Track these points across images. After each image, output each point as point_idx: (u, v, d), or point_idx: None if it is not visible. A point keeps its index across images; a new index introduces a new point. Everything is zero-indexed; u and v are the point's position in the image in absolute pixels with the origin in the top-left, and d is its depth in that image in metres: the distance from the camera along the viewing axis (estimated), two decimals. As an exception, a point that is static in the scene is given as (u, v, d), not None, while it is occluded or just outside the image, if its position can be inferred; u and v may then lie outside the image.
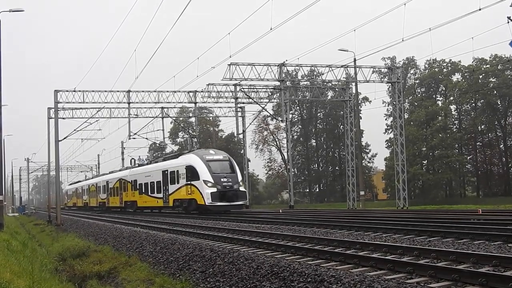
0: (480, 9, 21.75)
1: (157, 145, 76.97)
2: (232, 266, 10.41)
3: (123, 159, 67.80)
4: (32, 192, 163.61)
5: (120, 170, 54.02)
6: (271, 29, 25.61)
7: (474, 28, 76.06)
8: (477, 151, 69.86)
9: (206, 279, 10.15)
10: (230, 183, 31.02)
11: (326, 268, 9.33)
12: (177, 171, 33.85)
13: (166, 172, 35.88)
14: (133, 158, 60.64)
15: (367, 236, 14.68)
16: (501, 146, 67.91)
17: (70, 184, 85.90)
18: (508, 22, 22.33)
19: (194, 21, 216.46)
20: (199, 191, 30.86)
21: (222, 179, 30.84)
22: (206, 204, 30.09)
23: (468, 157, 70.03)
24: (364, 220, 20.44)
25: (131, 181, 43.23)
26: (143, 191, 40.18)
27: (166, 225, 24.45)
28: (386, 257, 10.15)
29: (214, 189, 30.26)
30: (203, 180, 30.60)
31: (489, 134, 69.23)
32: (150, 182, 39.00)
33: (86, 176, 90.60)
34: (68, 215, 48.80)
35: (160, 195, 36.83)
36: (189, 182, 31.98)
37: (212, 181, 30.48)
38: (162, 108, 45.18)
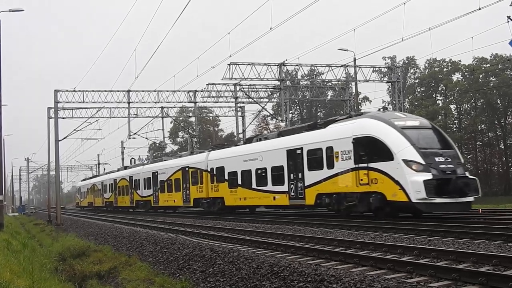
0: (480, 9, 21.72)
1: (157, 145, 76.95)
2: (232, 266, 10.40)
3: (123, 159, 67.78)
4: (32, 192, 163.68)
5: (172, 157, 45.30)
6: (271, 28, 25.59)
7: (474, 28, 76.05)
8: (477, 151, 69.88)
9: (206, 278, 10.15)
10: (451, 166, 18.65)
11: (326, 268, 9.32)
12: (330, 148, 21.39)
13: (298, 151, 23.44)
14: (133, 158, 60.64)
15: (367, 235, 14.68)
16: (501, 145, 67.94)
17: (84, 179, 75.42)
18: (508, 22, 22.34)
19: (194, 21, 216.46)
20: (392, 179, 18.62)
21: (436, 159, 18.56)
22: (413, 200, 17.92)
23: (468, 156, 70.05)
24: (364, 219, 20.41)
25: (210, 169, 31.16)
26: (238, 182, 28.17)
27: (166, 224, 24.46)
28: (386, 257, 10.15)
29: (428, 176, 17.92)
30: (404, 160, 18.34)
31: (489, 134, 69.24)
32: (259, 170, 26.32)
33: (104, 169, 76.78)
34: (68, 215, 48.80)
35: (281, 188, 24.53)
36: (364, 166, 19.66)
37: (422, 162, 18.23)
38: (162, 108, 45.14)
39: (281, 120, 46.73)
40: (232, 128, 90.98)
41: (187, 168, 33.72)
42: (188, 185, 33.46)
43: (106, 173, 60.29)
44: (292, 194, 23.77)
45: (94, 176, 70.08)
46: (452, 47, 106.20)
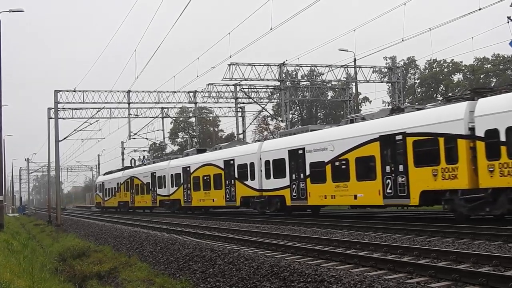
0: (480, 9, 21.73)
1: (157, 145, 76.95)
2: (232, 266, 10.40)
3: (123, 159, 67.79)
4: (32, 192, 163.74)
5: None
6: (271, 29, 25.59)
7: (475, 28, 76.06)
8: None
9: (206, 279, 10.15)
10: None
11: (326, 268, 9.33)
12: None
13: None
14: (133, 158, 60.53)
15: (367, 236, 14.68)
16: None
17: (107, 173, 59.29)
18: (508, 22, 22.35)
19: (194, 21, 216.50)
20: None
21: None
22: None
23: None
24: (365, 219, 20.43)
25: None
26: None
27: (166, 225, 24.47)
28: (386, 257, 10.16)
29: None
30: None
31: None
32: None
33: (134, 161, 59.16)
34: (69, 216, 48.84)
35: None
36: None
37: None
38: (162, 108, 45.20)
39: (281, 121, 46.76)
40: (232, 128, 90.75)
41: (232, 162, 28.57)
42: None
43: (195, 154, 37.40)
44: None
45: (126, 168, 53.88)
46: (452, 47, 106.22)
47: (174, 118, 54.64)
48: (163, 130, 47.78)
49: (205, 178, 31.67)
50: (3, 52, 26.38)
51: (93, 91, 39.97)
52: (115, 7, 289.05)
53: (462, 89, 29.43)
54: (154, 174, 39.75)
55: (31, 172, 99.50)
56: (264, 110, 47.82)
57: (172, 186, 36.44)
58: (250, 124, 50.91)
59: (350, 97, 43.60)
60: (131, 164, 56.96)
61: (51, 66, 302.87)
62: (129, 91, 41.06)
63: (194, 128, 59.00)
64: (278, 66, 37.89)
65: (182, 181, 34.71)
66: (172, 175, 36.58)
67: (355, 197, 20.33)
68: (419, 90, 72.52)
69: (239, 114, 44.71)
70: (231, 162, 28.73)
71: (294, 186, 23.54)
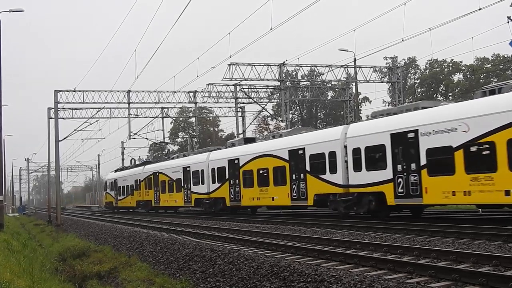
0: (480, 9, 21.73)
1: (157, 145, 76.98)
2: (232, 266, 10.40)
3: (123, 159, 67.79)
4: (32, 192, 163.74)
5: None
6: (271, 29, 25.59)
7: (475, 28, 76.04)
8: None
9: (206, 279, 10.15)
10: None
11: (326, 268, 9.33)
12: None
13: None
14: (133, 158, 60.49)
15: (367, 236, 14.68)
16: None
17: (120, 169, 53.87)
18: (508, 22, 22.37)
19: (194, 21, 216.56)
20: None
21: None
22: None
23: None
24: (365, 219, 20.43)
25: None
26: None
27: (166, 225, 24.47)
28: (386, 257, 10.15)
29: None
30: None
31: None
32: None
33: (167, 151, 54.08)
34: (68, 216, 48.82)
35: None
36: None
37: None
38: (162, 108, 45.21)
39: (281, 121, 46.75)
40: (232, 128, 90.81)
41: (300, 151, 23.73)
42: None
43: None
44: None
45: (145, 163, 48.48)
46: (452, 47, 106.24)
47: (174, 118, 54.63)
48: (163, 130, 47.83)
49: (260, 172, 26.52)
50: (3, 52, 26.41)
51: (93, 91, 40.00)
52: (115, 7, 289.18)
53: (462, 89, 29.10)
54: (188, 168, 34.42)
55: (31, 172, 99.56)
56: (264, 110, 47.86)
57: (214, 182, 31.17)
58: (250, 124, 50.94)
59: (350, 97, 43.60)
60: (131, 163, 56.71)
61: (51, 66, 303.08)
62: (129, 91, 41.07)
63: (194, 128, 59.00)
64: (278, 66, 37.90)
65: (228, 176, 29.51)
66: (213, 169, 31.23)
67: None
68: (419, 90, 72.53)
69: (239, 114, 44.72)
70: (300, 152, 23.78)
71: (400, 180, 18.83)
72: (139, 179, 43.56)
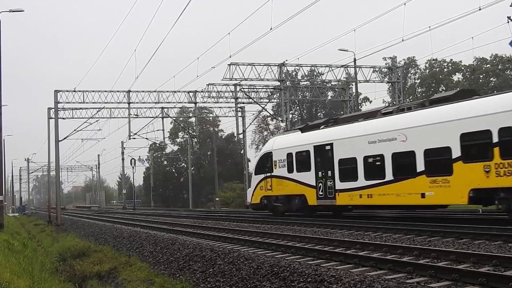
0: (480, 9, 21.74)
1: (157, 145, 76.94)
2: (232, 266, 10.40)
3: (123, 159, 67.83)
4: (32, 192, 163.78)
5: None
6: (271, 29, 25.61)
7: (474, 28, 76.06)
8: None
9: (206, 279, 10.14)
10: None
11: (326, 268, 9.32)
12: None
13: None
14: (133, 158, 60.54)
15: (367, 236, 14.68)
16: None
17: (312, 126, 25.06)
18: (508, 22, 22.37)
19: (194, 21, 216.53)
20: None
21: None
22: None
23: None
24: (365, 219, 20.42)
25: None
26: None
27: (166, 225, 24.47)
28: (386, 257, 10.15)
29: None
30: None
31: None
32: None
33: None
34: (68, 215, 48.80)
35: None
36: None
37: None
38: (162, 108, 45.19)
39: (281, 121, 46.74)
40: (232, 128, 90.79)
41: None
42: None
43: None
44: None
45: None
46: (452, 47, 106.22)
47: (174, 118, 54.61)
48: (163, 130, 47.79)
49: None
50: (3, 52, 26.40)
51: (93, 91, 40.00)
52: (115, 7, 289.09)
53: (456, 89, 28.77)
54: None
55: (31, 172, 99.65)
56: (264, 110, 47.84)
57: None
58: (250, 124, 50.93)
59: (350, 97, 43.60)
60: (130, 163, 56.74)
61: (51, 66, 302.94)
62: (129, 91, 41.07)
63: (194, 128, 59.00)
64: (278, 66, 37.88)
65: None
66: None
67: None
68: (419, 90, 72.53)
69: (239, 114, 44.72)
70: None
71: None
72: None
